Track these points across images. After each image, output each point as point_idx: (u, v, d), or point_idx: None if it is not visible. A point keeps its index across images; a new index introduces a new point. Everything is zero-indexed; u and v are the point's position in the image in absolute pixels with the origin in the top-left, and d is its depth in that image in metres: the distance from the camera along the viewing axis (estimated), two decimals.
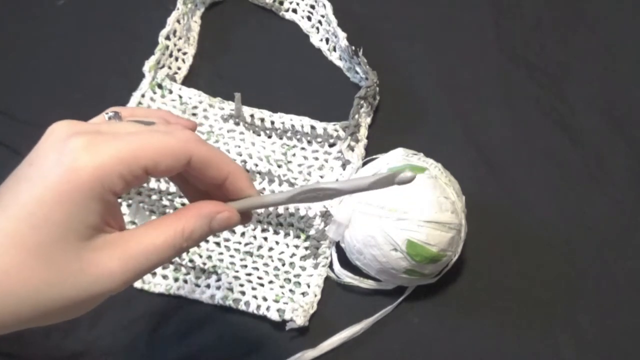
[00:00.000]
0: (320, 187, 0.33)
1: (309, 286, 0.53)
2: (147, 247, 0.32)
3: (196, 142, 0.33)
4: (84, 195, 0.29)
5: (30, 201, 0.29)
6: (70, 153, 0.29)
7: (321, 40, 0.64)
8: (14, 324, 0.30)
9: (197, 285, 0.53)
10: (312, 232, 0.54)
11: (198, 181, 0.35)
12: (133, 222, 0.55)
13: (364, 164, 0.54)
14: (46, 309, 0.30)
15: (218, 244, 0.54)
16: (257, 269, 0.53)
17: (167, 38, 0.62)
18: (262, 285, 0.52)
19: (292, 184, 0.56)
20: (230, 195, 0.35)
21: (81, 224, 0.30)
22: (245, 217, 0.36)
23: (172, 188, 0.56)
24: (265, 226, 0.55)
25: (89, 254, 0.30)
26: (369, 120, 0.59)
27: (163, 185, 0.56)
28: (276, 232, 0.55)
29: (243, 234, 0.55)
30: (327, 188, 0.33)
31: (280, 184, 0.56)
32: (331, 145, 0.58)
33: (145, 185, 0.56)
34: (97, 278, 0.30)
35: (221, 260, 0.54)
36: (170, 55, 0.62)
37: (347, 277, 0.53)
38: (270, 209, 0.55)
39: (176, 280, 0.53)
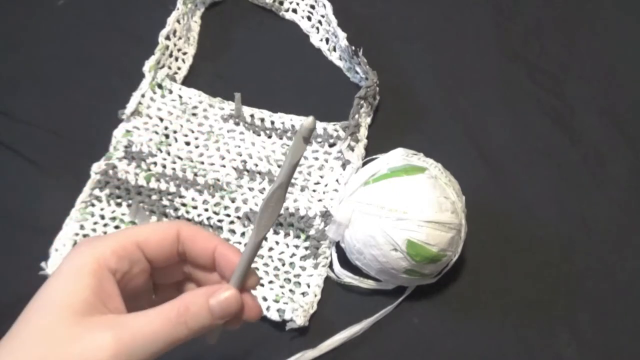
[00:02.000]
0: (267, 198, 0.34)
1: (309, 286, 0.53)
2: (143, 325, 0.32)
3: (184, 222, 0.37)
4: (78, 271, 0.33)
5: (42, 290, 0.33)
6: (75, 249, 0.34)
7: (321, 40, 0.64)
8: None
9: None
10: (312, 232, 0.54)
11: (194, 264, 0.37)
12: (133, 222, 0.55)
13: (364, 164, 0.54)
14: None
15: None
16: (257, 269, 0.53)
17: (167, 38, 0.62)
18: (262, 285, 0.52)
19: (292, 184, 0.56)
20: (226, 273, 0.36)
21: (75, 297, 0.32)
22: (247, 289, 0.36)
23: (172, 188, 0.56)
24: None
25: (81, 329, 0.31)
26: (369, 120, 0.59)
27: (163, 185, 0.56)
28: (276, 232, 0.55)
29: (243, 234, 0.55)
30: (270, 193, 0.34)
31: None
32: (331, 145, 0.58)
33: (145, 185, 0.56)
34: (87, 350, 0.31)
35: None
36: (170, 55, 0.62)
37: (347, 277, 0.53)
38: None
39: None
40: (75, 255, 0.34)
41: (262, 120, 0.59)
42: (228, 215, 0.55)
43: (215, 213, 0.55)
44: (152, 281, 0.37)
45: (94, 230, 0.54)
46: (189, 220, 0.55)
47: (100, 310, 0.32)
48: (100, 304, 0.32)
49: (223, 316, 0.34)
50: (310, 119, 0.31)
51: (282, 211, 0.55)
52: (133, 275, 0.35)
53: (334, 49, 0.63)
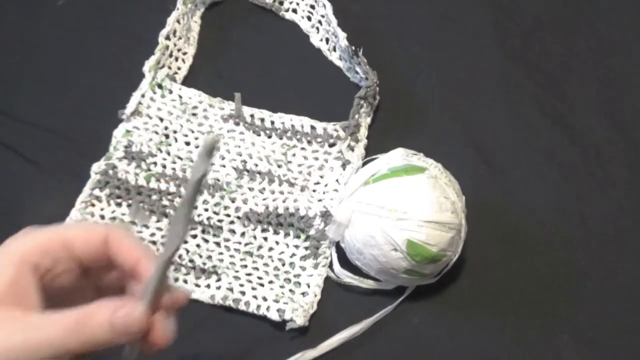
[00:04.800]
0: (174, 216, 0.32)
1: (309, 286, 0.52)
2: (41, 327, 0.31)
3: (117, 226, 0.36)
4: (1, 260, 0.32)
5: None
6: (12, 237, 0.34)
7: (321, 40, 0.64)
8: None
9: (197, 285, 0.53)
10: (312, 232, 0.54)
11: (122, 271, 0.35)
12: (133, 222, 0.55)
13: (364, 164, 0.54)
14: None
15: (218, 244, 0.54)
16: (257, 269, 0.53)
17: (167, 38, 0.62)
18: (262, 285, 0.52)
19: (292, 184, 0.56)
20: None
21: None
22: (167, 308, 0.34)
23: (172, 188, 0.56)
24: (265, 226, 0.55)
25: None
26: (369, 120, 0.59)
27: (163, 185, 0.56)
28: (276, 232, 0.55)
29: (243, 234, 0.55)
30: (177, 212, 0.32)
31: (280, 184, 0.56)
32: (331, 145, 0.58)
33: (145, 185, 0.56)
34: None
35: (221, 260, 0.54)
36: (170, 55, 0.62)
37: (347, 277, 0.53)
38: (270, 208, 0.55)
39: (176, 280, 0.53)
40: (7, 244, 0.33)
41: (262, 120, 0.59)
42: (228, 215, 0.55)
43: (215, 213, 0.55)
44: (95, 283, 0.36)
45: None
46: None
47: (10, 303, 0.31)
48: (12, 297, 0.31)
49: (124, 334, 0.32)
50: (212, 135, 0.29)
51: (282, 211, 0.55)
52: (57, 273, 0.34)
53: (334, 49, 0.63)
